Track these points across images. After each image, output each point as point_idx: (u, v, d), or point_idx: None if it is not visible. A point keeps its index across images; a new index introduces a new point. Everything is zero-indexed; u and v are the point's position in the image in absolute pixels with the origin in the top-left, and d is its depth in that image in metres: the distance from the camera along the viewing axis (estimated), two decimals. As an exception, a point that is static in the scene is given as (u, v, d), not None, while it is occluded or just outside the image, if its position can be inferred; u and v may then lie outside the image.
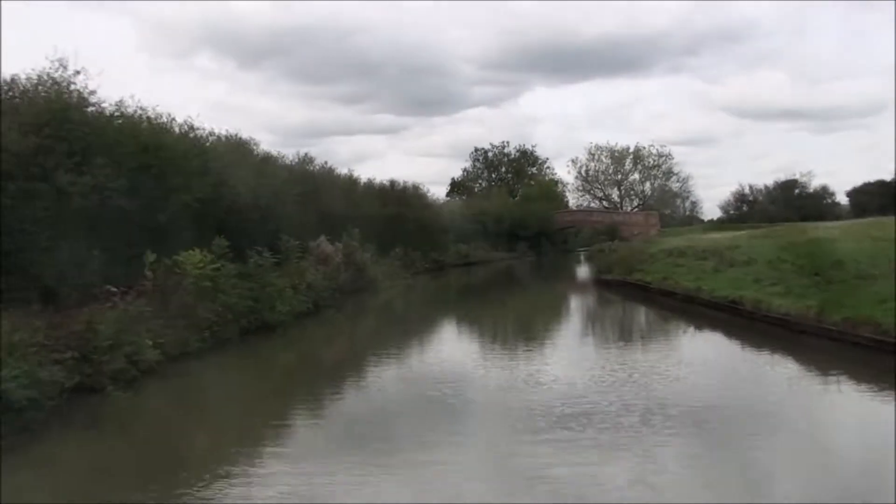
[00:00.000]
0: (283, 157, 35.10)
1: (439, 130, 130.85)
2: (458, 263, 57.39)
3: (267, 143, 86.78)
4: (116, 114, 19.04)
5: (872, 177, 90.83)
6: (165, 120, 21.83)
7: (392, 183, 52.99)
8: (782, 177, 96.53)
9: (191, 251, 16.64)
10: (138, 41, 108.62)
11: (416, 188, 56.08)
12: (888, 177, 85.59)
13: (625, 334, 21.37)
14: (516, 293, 34.62)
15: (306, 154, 38.27)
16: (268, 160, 26.98)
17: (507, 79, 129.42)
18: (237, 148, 26.50)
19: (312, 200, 34.02)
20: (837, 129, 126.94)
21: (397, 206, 49.78)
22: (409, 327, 22.91)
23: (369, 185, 48.93)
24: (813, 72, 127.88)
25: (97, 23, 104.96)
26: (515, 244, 73.18)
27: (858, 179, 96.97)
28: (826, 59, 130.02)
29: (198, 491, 8.37)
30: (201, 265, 16.37)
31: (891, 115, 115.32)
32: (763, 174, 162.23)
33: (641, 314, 25.36)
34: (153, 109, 21.23)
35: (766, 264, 22.03)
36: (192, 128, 23.41)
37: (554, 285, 41.36)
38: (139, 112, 20.29)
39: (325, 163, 42.10)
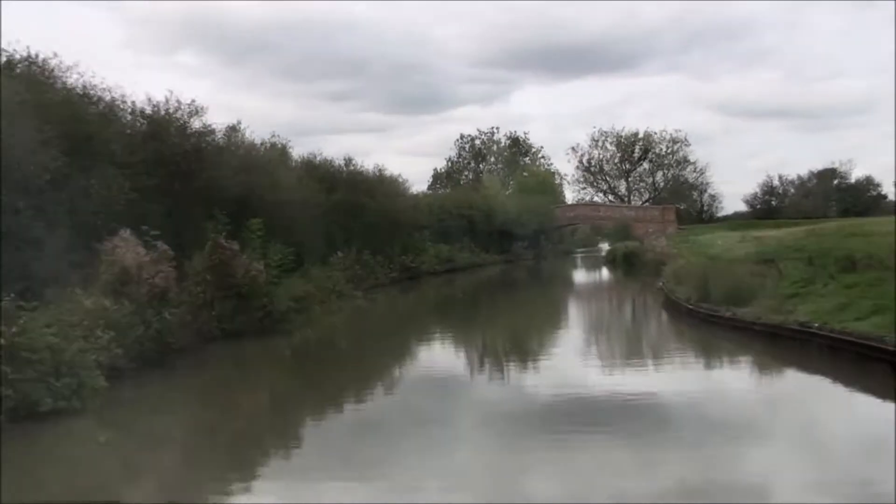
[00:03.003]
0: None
1: (428, 129, 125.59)
2: (437, 270, 43.24)
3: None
4: None
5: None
6: None
7: (347, 161, 38.87)
8: (811, 169, 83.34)
9: None
10: (123, 37, 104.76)
11: (380, 172, 42.01)
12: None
13: None
14: (551, 343, 18.50)
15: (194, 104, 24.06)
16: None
17: (497, 77, 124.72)
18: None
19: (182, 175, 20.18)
20: (827, 128, 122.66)
21: (352, 192, 35.77)
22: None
23: (309, 162, 34.70)
24: (806, 70, 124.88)
25: (83, 17, 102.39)
26: (510, 244, 59.46)
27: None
28: (819, 57, 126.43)
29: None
30: None
31: (879, 113, 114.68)
32: (753, 174, 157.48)
33: None
34: None
35: None
36: None
37: (617, 318, 25.51)
38: None
39: (241, 127, 27.90)
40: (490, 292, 36.31)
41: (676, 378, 12.89)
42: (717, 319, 16.52)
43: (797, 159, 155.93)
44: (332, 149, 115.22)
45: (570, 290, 37.76)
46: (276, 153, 30.92)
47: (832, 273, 15.30)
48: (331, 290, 25.42)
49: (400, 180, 45.50)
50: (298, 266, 25.67)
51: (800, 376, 12.97)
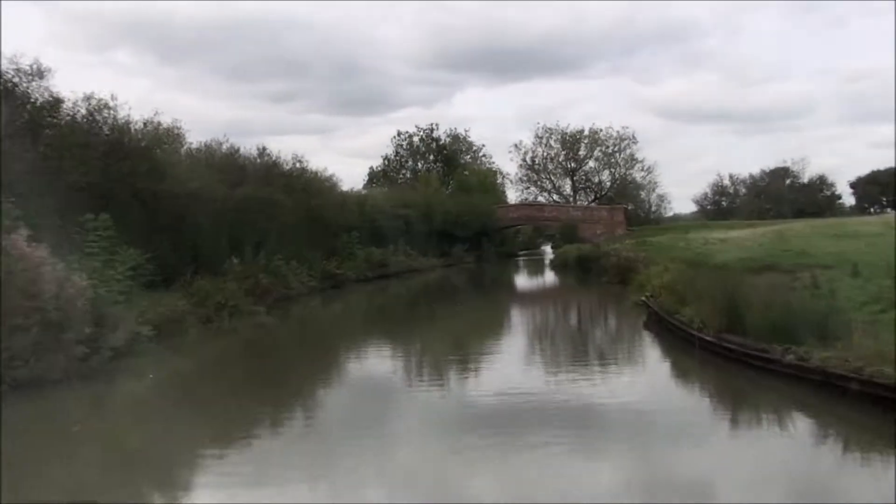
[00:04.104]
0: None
1: (373, 131, 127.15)
2: (368, 277, 38.01)
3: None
4: None
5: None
6: None
7: (261, 152, 33.45)
8: (758, 169, 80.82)
9: None
10: (54, 34, 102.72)
11: (299, 162, 36.65)
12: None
13: None
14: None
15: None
16: None
17: (441, 79, 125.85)
18: None
19: None
20: (765, 131, 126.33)
21: (265, 187, 30.41)
22: None
23: (210, 149, 29.21)
24: (745, 73, 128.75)
25: (8, 12, 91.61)
26: (449, 247, 54.71)
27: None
28: (759, 60, 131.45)
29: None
30: None
31: (817, 116, 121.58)
32: (692, 176, 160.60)
33: None
34: None
35: None
36: None
37: (598, 355, 16.12)
38: None
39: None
40: (427, 305, 30.76)
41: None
42: (769, 364, 10.41)
43: (737, 162, 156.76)
44: (273, 150, 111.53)
45: (523, 303, 31.27)
46: (166, 136, 25.43)
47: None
48: (222, 305, 20.16)
49: (326, 175, 40.34)
50: (178, 276, 20.44)
51: None
